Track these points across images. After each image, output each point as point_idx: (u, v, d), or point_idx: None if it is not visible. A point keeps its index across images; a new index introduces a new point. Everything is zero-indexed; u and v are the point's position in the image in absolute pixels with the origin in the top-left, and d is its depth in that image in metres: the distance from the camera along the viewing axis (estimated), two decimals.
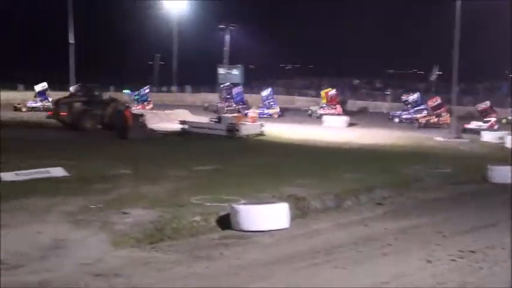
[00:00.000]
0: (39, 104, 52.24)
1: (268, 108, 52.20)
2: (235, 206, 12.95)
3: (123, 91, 64.02)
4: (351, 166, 21.08)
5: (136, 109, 45.44)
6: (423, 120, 45.18)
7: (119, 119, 31.88)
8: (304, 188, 16.11)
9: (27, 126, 35.90)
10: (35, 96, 54.12)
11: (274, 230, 12.43)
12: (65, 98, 39.00)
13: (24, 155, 20.79)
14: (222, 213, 13.18)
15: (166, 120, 39.90)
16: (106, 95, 39.98)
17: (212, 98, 61.99)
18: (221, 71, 69.38)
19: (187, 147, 27.36)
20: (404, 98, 52.60)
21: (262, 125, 35.75)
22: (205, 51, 73.89)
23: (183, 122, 35.05)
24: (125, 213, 13.04)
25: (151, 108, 51.77)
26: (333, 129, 40.45)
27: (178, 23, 73.16)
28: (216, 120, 35.71)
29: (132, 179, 17.42)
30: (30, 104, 51.97)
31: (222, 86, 59.45)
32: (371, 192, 16.82)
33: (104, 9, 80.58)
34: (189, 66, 71.39)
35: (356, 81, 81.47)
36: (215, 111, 50.48)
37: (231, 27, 72.83)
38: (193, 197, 14.66)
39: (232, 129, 32.89)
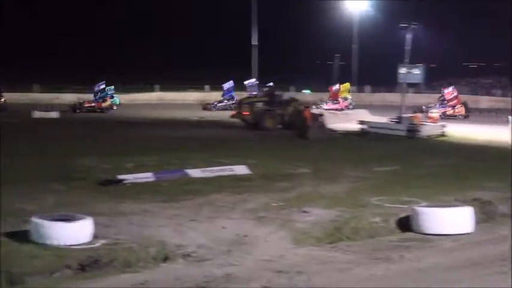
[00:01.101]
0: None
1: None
2: (417, 208, 12.64)
3: (303, 91, 64.92)
4: None
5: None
6: None
7: (298, 118, 32.39)
8: (491, 192, 15.29)
9: (217, 125, 37.74)
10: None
11: (457, 234, 11.97)
12: (247, 98, 40.42)
13: (209, 153, 21.82)
14: (402, 215, 12.91)
15: (345, 120, 39.80)
16: (286, 95, 40.69)
17: (392, 98, 60.83)
18: (402, 70, 67.75)
19: (367, 147, 27.11)
20: None
21: (443, 126, 34.50)
22: (385, 51, 72.82)
23: (362, 122, 34.79)
24: (305, 211, 13.22)
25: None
26: None
27: (359, 22, 72.76)
28: (396, 120, 35.04)
29: (311, 178, 17.61)
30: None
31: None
32: None
33: (284, 10, 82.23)
34: (368, 65, 70.78)
35: None
36: (207, 109, 51.36)
37: (412, 26, 71.08)
38: (373, 197, 14.51)
39: (413, 129, 32.09)
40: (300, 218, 12.67)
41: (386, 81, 66.96)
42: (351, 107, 54.20)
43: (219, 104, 54.27)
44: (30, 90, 61.66)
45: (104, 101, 50.77)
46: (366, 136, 31.85)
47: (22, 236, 10.31)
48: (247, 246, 10.79)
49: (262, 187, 16.15)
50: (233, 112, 39.49)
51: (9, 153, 19.91)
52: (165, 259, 9.90)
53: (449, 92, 51.57)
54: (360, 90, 71.84)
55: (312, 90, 63.87)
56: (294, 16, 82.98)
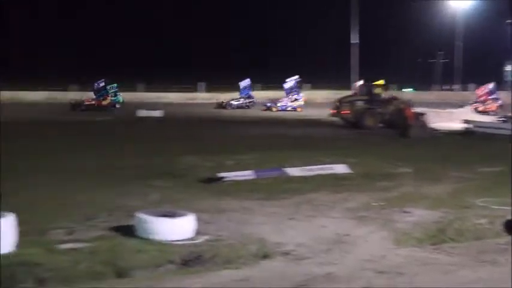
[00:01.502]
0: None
1: None
2: None
3: (403, 89, 63.79)
4: None
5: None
6: None
7: (400, 117, 31.84)
8: None
9: (305, 124, 37.68)
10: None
11: None
12: (347, 96, 40.12)
13: (308, 152, 21.82)
14: (509, 217, 12.41)
15: (449, 119, 38.71)
16: (388, 94, 40.09)
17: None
18: (509, 67, 65.65)
19: (471, 147, 26.28)
20: None
21: None
22: (489, 48, 70.49)
23: (467, 122, 33.74)
24: (406, 212, 12.98)
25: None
26: None
27: (463, 20, 70.72)
28: (504, 119, 33.82)
29: (413, 178, 17.25)
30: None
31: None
32: None
33: (383, 8, 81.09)
34: (473, 63, 68.67)
35: None
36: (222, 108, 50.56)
37: None
38: (478, 198, 14.05)
39: None
40: (401, 218, 12.45)
41: (491, 79, 64.76)
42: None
43: (235, 103, 53.82)
44: (134, 90, 63.69)
45: (104, 99, 50.83)
46: (470, 136, 30.86)
47: (127, 231, 10.64)
48: (347, 245, 10.68)
49: (363, 186, 15.97)
50: (333, 111, 39.29)
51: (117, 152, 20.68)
52: (265, 256, 9.94)
53: None
54: (464, 89, 69.87)
55: (415, 89, 62.61)
56: (394, 14, 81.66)
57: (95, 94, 51.79)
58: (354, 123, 35.25)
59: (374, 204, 13.75)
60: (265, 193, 14.93)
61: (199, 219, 10.96)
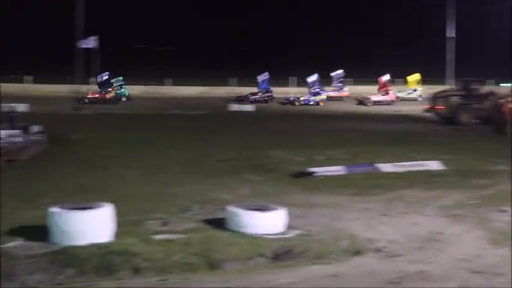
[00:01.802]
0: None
1: None
2: None
3: (501, 84, 61.62)
4: None
5: None
6: None
7: (497, 113, 30.82)
8: None
9: (398, 120, 37.02)
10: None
11: None
12: (441, 92, 39.22)
13: (400, 148, 21.46)
14: None
15: None
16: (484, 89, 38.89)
17: None
18: None
19: None
20: None
21: None
22: None
23: None
24: (503, 211, 12.57)
25: None
26: None
27: None
28: None
29: (510, 176, 16.66)
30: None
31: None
32: None
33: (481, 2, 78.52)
34: None
35: None
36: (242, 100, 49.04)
37: None
38: None
39: None
40: (497, 217, 12.08)
41: None
42: (420, 99, 51.43)
43: (252, 97, 52.70)
44: (226, 84, 64.16)
45: (108, 92, 49.97)
46: None
47: (219, 224, 10.80)
48: (441, 243, 10.43)
49: (457, 184, 15.58)
50: (427, 106, 38.48)
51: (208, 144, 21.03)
52: (356, 252, 9.86)
53: None
54: None
55: None
56: (491, 7, 78.91)
57: (99, 87, 51.05)
58: (449, 119, 34.39)
59: (468, 202, 13.38)
60: (356, 189, 14.82)
61: (290, 214, 10.98)
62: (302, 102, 50.51)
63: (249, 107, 44.63)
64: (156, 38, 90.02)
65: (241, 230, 10.34)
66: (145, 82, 60.65)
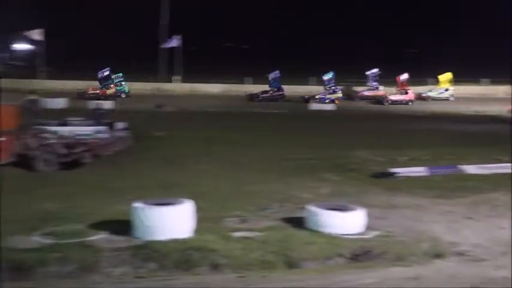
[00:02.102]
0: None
1: None
2: None
3: None
4: None
5: None
6: None
7: None
8: None
9: (483, 121, 35.89)
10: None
11: None
12: None
13: (485, 149, 20.79)
14: None
15: None
16: None
17: None
18: None
19: None
20: None
21: None
22: None
23: None
24: None
25: None
26: None
27: None
28: None
29: None
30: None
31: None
32: None
33: None
34: None
35: None
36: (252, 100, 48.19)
37: None
38: None
39: None
40: None
41: None
42: (452, 98, 48.90)
43: (263, 95, 51.01)
44: (306, 83, 63.93)
45: (108, 88, 49.44)
46: None
47: (297, 223, 10.79)
48: None
49: None
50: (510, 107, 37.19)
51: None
52: (438, 256, 9.65)
53: None
54: None
55: None
56: None
57: (100, 83, 50.66)
58: None
59: None
60: (439, 190, 14.50)
61: (370, 214, 10.85)
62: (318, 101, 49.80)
63: (329, 106, 44.37)
64: (230, 37, 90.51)
65: (320, 230, 10.30)
66: (225, 80, 61.20)
